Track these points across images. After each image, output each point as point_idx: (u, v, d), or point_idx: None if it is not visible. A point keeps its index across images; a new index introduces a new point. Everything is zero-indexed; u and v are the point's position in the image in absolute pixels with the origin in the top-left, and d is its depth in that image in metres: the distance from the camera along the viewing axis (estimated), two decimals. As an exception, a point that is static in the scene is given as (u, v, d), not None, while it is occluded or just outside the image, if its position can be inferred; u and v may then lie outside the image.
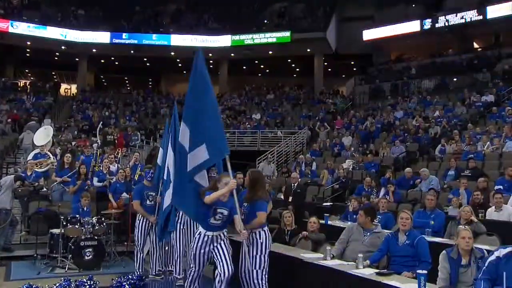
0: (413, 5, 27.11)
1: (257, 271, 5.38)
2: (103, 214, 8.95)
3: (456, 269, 4.62)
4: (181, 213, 6.72)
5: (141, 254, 7.26)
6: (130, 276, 6.66)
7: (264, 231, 5.49)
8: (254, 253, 5.42)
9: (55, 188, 10.40)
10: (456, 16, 23.87)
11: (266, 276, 5.40)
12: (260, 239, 5.44)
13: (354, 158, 15.62)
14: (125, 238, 9.49)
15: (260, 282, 5.36)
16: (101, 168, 11.33)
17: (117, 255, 8.63)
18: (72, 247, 7.91)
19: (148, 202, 7.31)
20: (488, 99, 17.85)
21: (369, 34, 27.04)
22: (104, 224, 8.50)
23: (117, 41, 27.42)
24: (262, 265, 5.39)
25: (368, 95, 24.63)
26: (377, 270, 4.99)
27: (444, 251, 4.79)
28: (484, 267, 4.09)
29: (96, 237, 8.10)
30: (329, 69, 31.15)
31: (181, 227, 6.75)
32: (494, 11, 22.89)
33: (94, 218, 8.54)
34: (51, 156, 11.85)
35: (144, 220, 7.28)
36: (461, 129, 15.38)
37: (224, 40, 27.86)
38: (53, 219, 8.85)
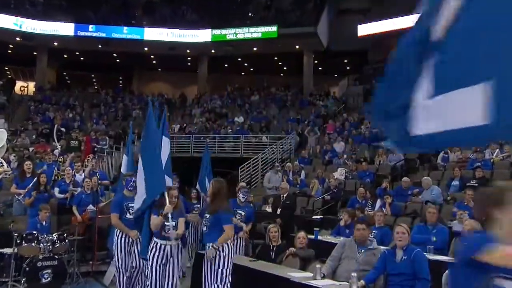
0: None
1: (218, 286, 5.72)
2: (65, 230, 8.81)
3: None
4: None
5: (123, 276, 7.00)
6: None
7: (227, 244, 5.86)
8: (216, 266, 5.77)
9: (15, 201, 10.21)
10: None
11: None
12: (223, 252, 5.79)
13: (347, 166, 15.66)
14: (91, 256, 9.39)
15: None
16: (63, 177, 11.21)
17: (81, 276, 8.51)
18: (27, 268, 7.65)
19: (128, 215, 7.01)
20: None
21: (365, 29, 27.24)
22: (66, 241, 8.35)
23: (82, 33, 27.10)
24: (224, 279, 5.74)
25: (363, 97, 24.77)
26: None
27: (448, 271, 4.79)
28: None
29: (56, 256, 7.93)
30: (320, 68, 31.30)
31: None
32: None
33: (54, 234, 8.37)
34: (4, 163, 11.65)
35: (124, 236, 7.01)
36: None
37: (203, 35, 27.86)
38: (4, 236, 8.62)
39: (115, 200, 7.38)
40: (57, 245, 8.14)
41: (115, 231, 7.11)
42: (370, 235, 6.35)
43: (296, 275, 5.73)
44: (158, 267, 5.99)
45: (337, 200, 13.07)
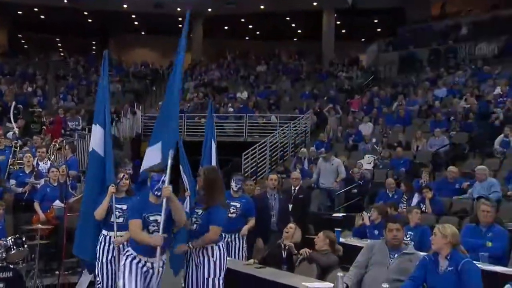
0: None
1: None
2: (24, 232, 8.82)
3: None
4: None
5: None
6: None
7: (219, 246, 5.85)
8: (206, 275, 5.73)
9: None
10: None
11: None
12: (212, 257, 5.76)
13: (376, 152, 15.69)
14: (56, 265, 9.41)
15: None
16: (21, 167, 11.21)
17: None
18: (-28, 283, 7.69)
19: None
20: None
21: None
22: (25, 246, 8.33)
23: (42, -15, 26.99)
24: None
25: (398, 66, 24.66)
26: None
27: (508, 285, 4.74)
28: None
29: (11, 266, 7.90)
30: (343, 31, 31.21)
31: None
32: None
33: (9, 238, 8.35)
34: None
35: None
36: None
37: (198, -11, 27.76)
38: None
39: (135, 204, 5.97)
40: (13, 251, 8.00)
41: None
42: (405, 237, 6.31)
43: (313, 285, 5.76)
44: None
45: (364, 195, 13.06)
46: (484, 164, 12.35)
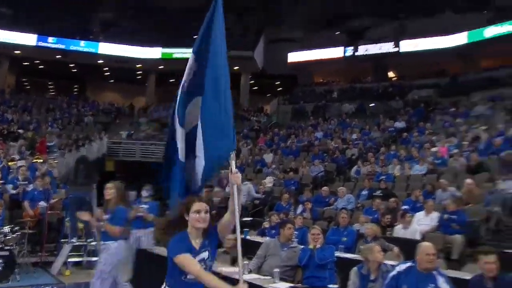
0: (338, 32, 28.29)
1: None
2: (17, 223, 8.47)
3: (365, 284, 4.82)
4: None
5: None
6: (42, 288, 6.34)
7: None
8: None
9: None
10: (375, 46, 25.29)
11: None
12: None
13: (275, 175, 15.72)
14: (39, 248, 9.09)
15: None
16: (16, 175, 10.78)
17: (31, 266, 8.21)
18: (-22, 258, 7.36)
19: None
20: (400, 125, 18.80)
21: (294, 57, 27.89)
22: (18, 233, 8.03)
23: (43, 44, 26.51)
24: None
25: (291, 115, 25.14)
26: (292, 284, 5.10)
27: (355, 268, 4.97)
28: (386, 281, 4.32)
29: (7, 247, 7.62)
30: (255, 88, 31.63)
31: None
32: (406, 46, 24.95)
33: (6, 227, 8.04)
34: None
35: None
36: (375, 151, 16.06)
37: (153, 52, 27.62)
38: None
39: None
40: (8, 237, 7.79)
41: None
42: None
43: (227, 269, 5.77)
44: None
45: (265, 205, 13.17)
46: (345, 186, 12.78)
